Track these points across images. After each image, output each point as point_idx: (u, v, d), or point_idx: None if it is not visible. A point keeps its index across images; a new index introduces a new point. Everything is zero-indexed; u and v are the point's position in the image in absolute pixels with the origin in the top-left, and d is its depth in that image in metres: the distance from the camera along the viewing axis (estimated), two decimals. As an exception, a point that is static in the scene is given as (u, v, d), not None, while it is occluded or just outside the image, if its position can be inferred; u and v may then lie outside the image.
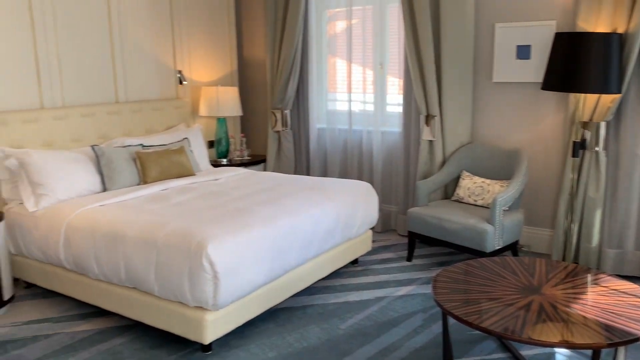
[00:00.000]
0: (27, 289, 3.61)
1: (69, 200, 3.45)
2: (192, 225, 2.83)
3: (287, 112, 5.17)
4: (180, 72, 4.87)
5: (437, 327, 3.06)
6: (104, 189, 3.71)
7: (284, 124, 5.19)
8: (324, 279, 3.72)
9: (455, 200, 4.16)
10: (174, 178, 3.97)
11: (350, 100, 4.90)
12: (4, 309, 3.28)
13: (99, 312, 3.25)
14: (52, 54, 3.87)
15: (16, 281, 3.65)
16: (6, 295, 3.29)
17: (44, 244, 3.29)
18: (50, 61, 3.87)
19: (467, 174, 4.15)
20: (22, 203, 3.49)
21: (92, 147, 3.75)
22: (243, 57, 5.66)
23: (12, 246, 3.53)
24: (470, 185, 4.05)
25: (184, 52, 4.89)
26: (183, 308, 2.72)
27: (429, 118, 4.31)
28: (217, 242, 2.64)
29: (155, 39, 4.63)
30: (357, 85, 4.87)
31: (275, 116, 5.20)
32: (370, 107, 4.82)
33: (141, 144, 4.08)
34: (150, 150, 4.01)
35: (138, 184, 3.86)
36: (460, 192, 4.10)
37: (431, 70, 4.19)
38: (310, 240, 3.22)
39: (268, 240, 2.91)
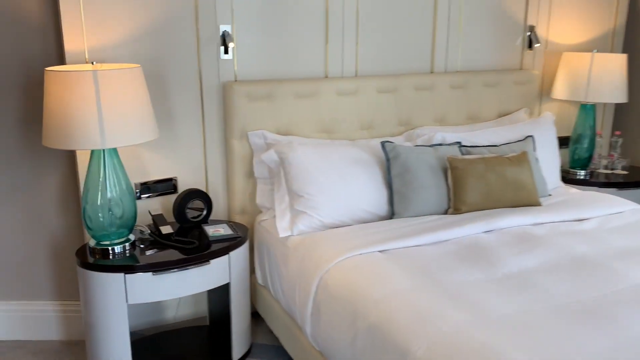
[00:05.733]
0: (271, 334, 2.54)
1: (335, 231, 2.16)
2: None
3: None
4: (532, 28, 3.11)
5: None
6: (392, 214, 2.32)
7: None
8: None
9: None
10: (505, 207, 2.33)
11: None
12: (229, 373, 2.25)
13: None
14: (349, 8, 2.60)
15: (258, 316, 2.59)
16: (236, 354, 2.25)
17: (291, 295, 2.10)
18: (346, 16, 2.61)
19: None
20: (275, 217, 2.37)
21: (382, 143, 2.38)
22: (636, 7, 3.49)
23: (260, 274, 2.47)
24: None
25: (542, -3, 3.09)
26: None
27: None
28: None
29: (502, -25, 2.96)
30: None
31: (692, 108, 2.99)
32: None
33: (458, 143, 2.54)
34: (473, 156, 2.43)
35: (445, 212, 2.34)
36: None
37: None
38: None
39: None
